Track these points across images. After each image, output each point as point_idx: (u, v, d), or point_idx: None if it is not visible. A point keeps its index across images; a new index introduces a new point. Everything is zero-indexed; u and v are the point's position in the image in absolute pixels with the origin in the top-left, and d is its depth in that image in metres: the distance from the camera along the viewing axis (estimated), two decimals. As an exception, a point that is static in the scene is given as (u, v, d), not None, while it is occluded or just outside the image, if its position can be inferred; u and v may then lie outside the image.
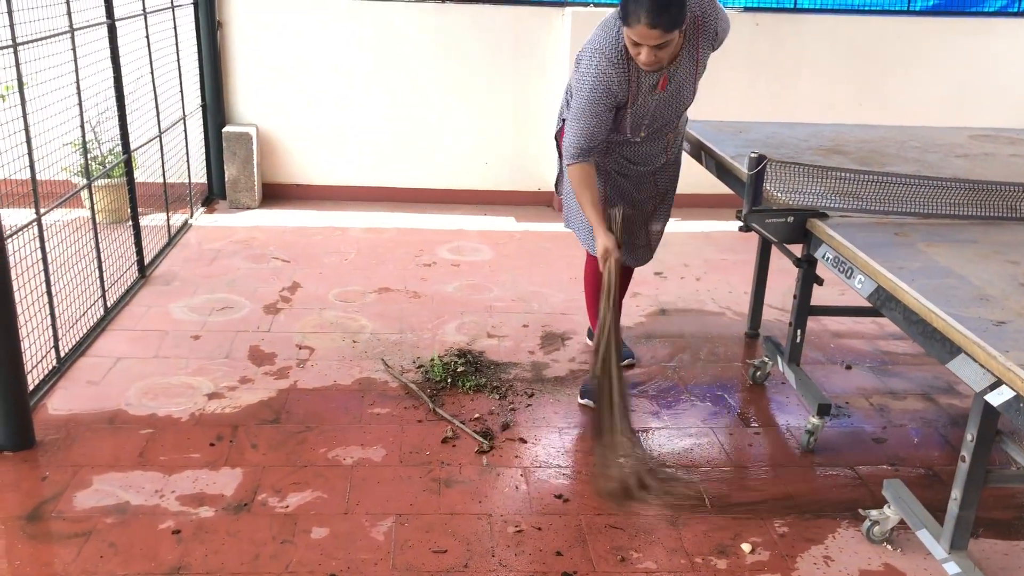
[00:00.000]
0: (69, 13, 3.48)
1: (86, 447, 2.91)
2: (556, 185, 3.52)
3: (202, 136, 5.54)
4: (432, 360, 3.58)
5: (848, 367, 3.76)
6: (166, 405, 3.19)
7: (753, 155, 2.59)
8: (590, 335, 3.80)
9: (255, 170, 5.54)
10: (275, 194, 5.79)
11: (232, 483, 2.76)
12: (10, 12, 3.00)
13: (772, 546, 2.58)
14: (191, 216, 5.28)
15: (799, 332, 3.23)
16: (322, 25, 5.46)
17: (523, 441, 3.07)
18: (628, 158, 3.16)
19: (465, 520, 2.63)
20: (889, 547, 2.59)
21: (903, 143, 3.64)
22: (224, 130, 5.48)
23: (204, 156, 5.59)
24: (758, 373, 3.55)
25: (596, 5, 5.68)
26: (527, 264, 4.86)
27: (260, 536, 2.52)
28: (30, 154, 3.18)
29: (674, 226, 5.60)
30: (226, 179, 5.52)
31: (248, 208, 5.57)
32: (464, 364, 3.56)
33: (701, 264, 4.96)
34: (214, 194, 5.68)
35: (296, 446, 2.98)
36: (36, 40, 3.21)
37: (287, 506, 2.66)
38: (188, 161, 5.20)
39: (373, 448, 2.98)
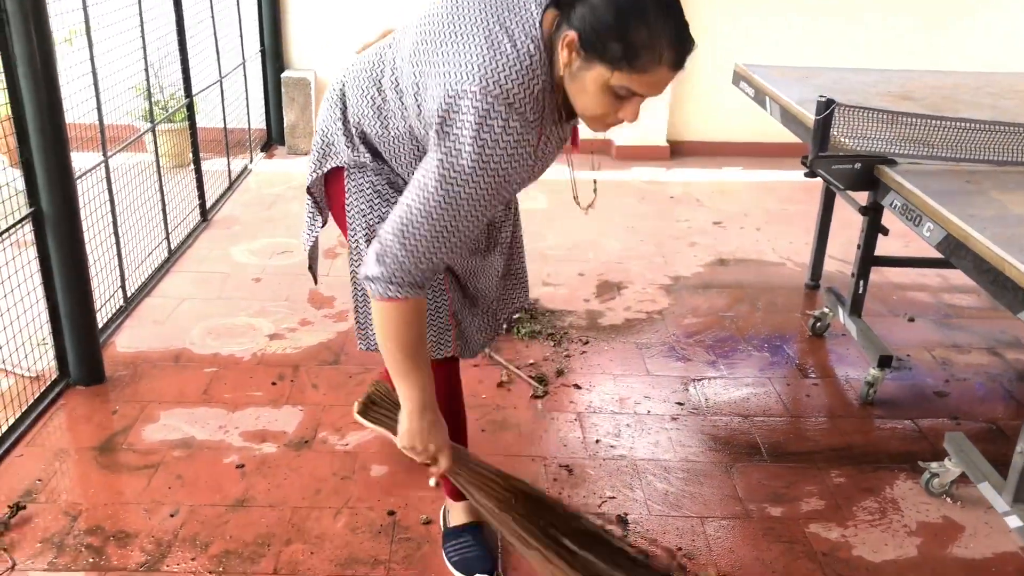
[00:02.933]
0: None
1: (153, 383, 3.00)
2: (311, 266, 2.35)
3: (261, 82, 5.57)
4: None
5: (911, 319, 3.68)
6: (229, 345, 3.27)
7: (821, 99, 2.52)
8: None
9: (313, 116, 5.57)
10: (333, 140, 5.81)
11: (293, 421, 2.83)
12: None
13: (828, 495, 2.57)
14: (251, 161, 5.35)
15: (862, 283, 3.17)
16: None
17: (577, 387, 3.08)
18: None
19: (519, 462, 2.66)
20: (948, 500, 2.56)
21: (977, 89, 3.51)
22: (283, 76, 5.50)
23: (263, 102, 5.63)
24: (818, 324, 3.50)
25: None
26: (581, 212, 4.81)
27: (321, 472, 2.59)
28: (97, 98, 3.24)
29: (735, 175, 5.53)
30: (285, 125, 5.57)
31: (306, 154, 5.61)
32: (520, 311, 3.57)
33: (761, 214, 4.88)
34: (273, 139, 5.74)
35: (355, 387, 3.03)
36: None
37: (347, 444, 2.72)
38: (248, 106, 5.25)
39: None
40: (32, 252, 2.78)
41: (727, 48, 5.69)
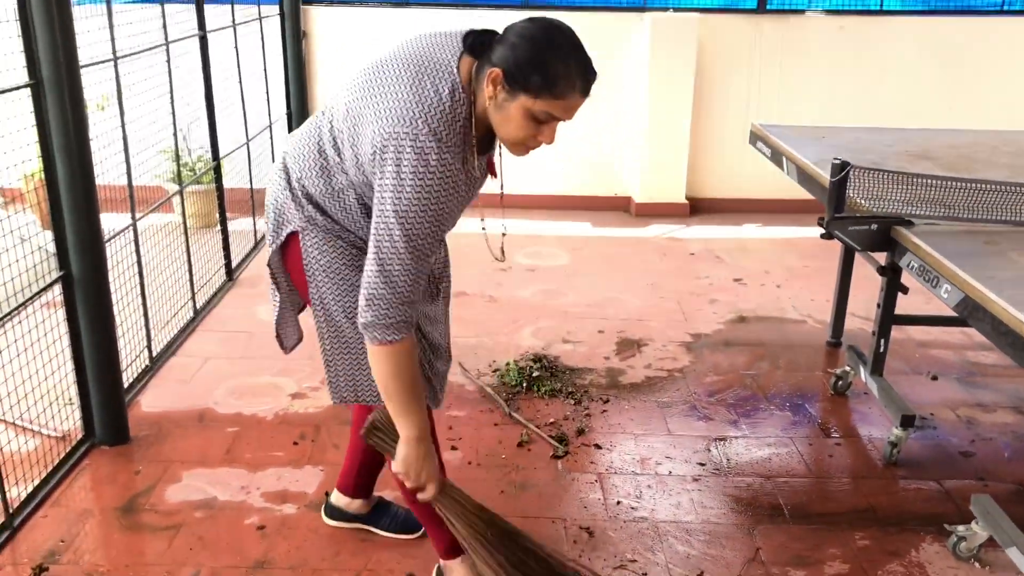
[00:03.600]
0: (165, 27, 3.63)
1: (176, 443, 3.03)
2: (278, 335, 2.41)
3: (287, 143, 5.68)
4: (508, 364, 3.61)
5: (934, 378, 3.66)
6: (252, 404, 3.30)
7: (836, 161, 2.55)
8: (329, 511, 2.63)
9: (337, 176, 5.67)
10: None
11: (314, 481, 2.84)
12: (111, 27, 3.15)
13: (852, 558, 2.53)
14: (276, 221, 5.43)
15: (883, 341, 3.16)
16: (399, 34, 5.55)
17: (598, 447, 3.08)
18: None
19: (539, 524, 2.64)
20: (977, 564, 2.52)
21: (995, 148, 3.53)
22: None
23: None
24: (839, 383, 3.49)
25: (676, 10, 5.66)
26: (603, 269, 4.85)
27: (340, 533, 2.59)
28: (127, 162, 3.33)
29: (755, 232, 5.55)
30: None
31: (330, 213, 5.70)
32: (540, 369, 3.58)
33: (782, 271, 4.89)
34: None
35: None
36: (134, 54, 3.36)
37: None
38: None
39: (450, 450, 3.03)
40: (61, 313, 2.84)
41: (745, 106, 5.77)
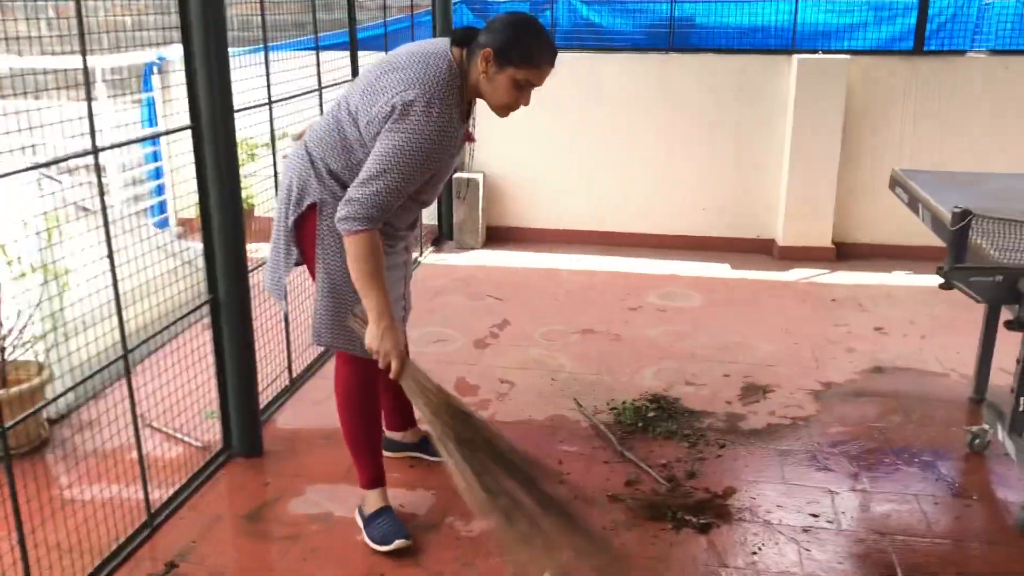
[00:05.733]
0: (319, 74, 3.93)
1: (304, 459, 3.24)
2: (271, 277, 2.75)
3: (435, 181, 5.95)
4: (624, 403, 3.63)
5: (1087, 443, 3.39)
6: (376, 427, 3.47)
7: (957, 209, 2.46)
8: (388, 445, 3.15)
9: (480, 213, 5.88)
10: (498, 236, 6.10)
11: (425, 504, 2.97)
12: (268, 75, 3.45)
13: (967, 628, 2.39)
14: (420, 254, 5.69)
15: (1022, 400, 2.98)
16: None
17: (707, 491, 3.05)
18: (403, 226, 2.67)
19: (637, 563, 2.65)
20: None
21: None
22: (455, 176, 5.87)
23: (437, 201, 6.00)
24: (976, 441, 3.30)
25: (825, 52, 5.55)
26: (736, 313, 4.79)
27: (444, 556, 2.69)
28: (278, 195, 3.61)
29: (902, 279, 5.32)
30: (454, 221, 5.90)
31: (471, 248, 5.91)
32: (656, 409, 3.58)
33: (929, 321, 4.66)
34: (443, 235, 6.09)
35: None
36: (287, 98, 3.66)
37: (471, 531, 2.82)
38: (420, 204, 5.62)
39: (556, 484, 3.08)
40: (210, 334, 3.11)
41: (899, 150, 5.57)
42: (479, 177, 5.87)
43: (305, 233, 2.60)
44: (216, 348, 3.10)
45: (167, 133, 2.88)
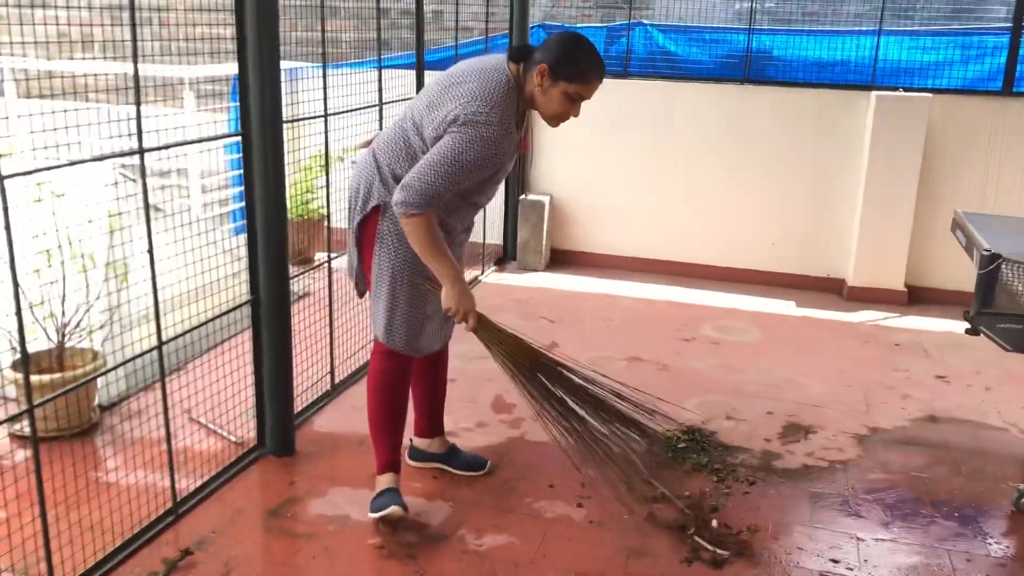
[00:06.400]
0: (380, 90, 4.05)
1: (332, 462, 3.32)
2: (350, 268, 2.96)
3: (502, 203, 6.03)
4: (656, 433, 3.59)
5: None
6: (407, 435, 3.52)
7: (986, 252, 2.37)
8: (413, 454, 3.31)
9: (544, 235, 5.92)
10: (561, 259, 6.12)
11: (440, 515, 3.00)
12: (324, 88, 3.58)
13: None
14: (482, 273, 5.76)
15: (1070, 459, 2.83)
16: (618, 105, 5.74)
17: (727, 527, 2.99)
18: (461, 227, 2.91)
19: (642, 592, 2.62)
20: None
21: None
22: (520, 197, 5.92)
23: (503, 221, 6.08)
24: (1023, 500, 3.14)
25: (906, 89, 5.40)
26: (793, 351, 4.68)
27: (451, 567, 2.72)
28: (327, 207, 3.74)
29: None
30: (518, 242, 5.95)
31: (534, 270, 5.95)
32: (688, 441, 3.53)
33: (996, 372, 4.46)
34: (507, 255, 6.14)
35: (507, 492, 3.16)
36: (341, 112, 3.79)
37: (481, 545, 2.84)
38: (484, 224, 5.69)
39: (575, 506, 3.07)
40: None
41: (981, 193, 5.37)
42: (545, 200, 5.91)
43: (367, 233, 2.81)
44: (255, 348, 3.22)
45: (215, 139, 3.01)
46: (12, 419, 2.52)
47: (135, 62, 2.51)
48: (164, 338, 2.80)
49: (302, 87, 3.98)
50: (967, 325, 2.48)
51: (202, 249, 3.13)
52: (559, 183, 6.04)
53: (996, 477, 3.41)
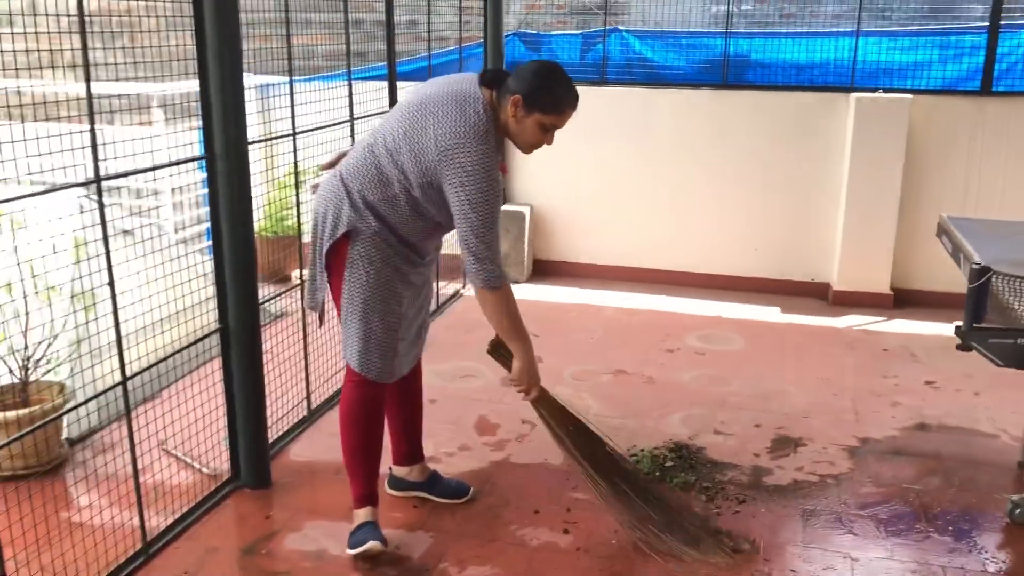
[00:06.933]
0: (351, 104, 3.95)
1: (309, 493, 3.21)
2: (312, 296, 2.85)
3: (482, 213, 5.93)
4: (643, 451, 3.51)
5: None
6: (387, 462, 3.42)
7: (976, 265, 2.30)
8: (393, 483, 3.21)
9: (526, 246, 5.83)
10: (544, 270, 6.04)
11: (421, 547, 2.90)
12: (292, 106, 3.48)
13: None
14: (463, 286, 5.66)
15: (1065, 470, 2.76)
16: (596, 113, 5.66)
17: (717, 547, 2.90)
18: (431, 250, 2.90)
19: (631, 623, 2.53)
20: None
21: None
22: (501, 208, 5.82)
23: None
24: (1018, 511, 3.07)
25: (886, 90, 5.35)
26: (779, 359, 4.61)
27: (432, 603, 2.62)
28: (298, 229, 3.63)
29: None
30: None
31: (516, 282, 5.85)
32: (675, 459, 3.45)
33: (987, 377, 4.38)
34: (488, 267, 6.04)
35: (490, 520, 3.06)
36: (322, 127, 3.69)
37: (463, 578, 2.74)
38: (464, 236, 5.60)
39: (561, 533, 2.98)
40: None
41: (963, 195, 5.32)
42: (526, 210, 5.82)
43: (336, 260, 2.71)
44: (226, 378, 3.11)
45: (178, 163, 2.91)
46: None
47: (87, 81, 2.40)
48: (131, 372, 2.70)
49: (277, 103, 3.88)
50: (956, 328, 2.40)
51: (175, 275, 3.02)
52: (540, 193, 5.96)
53: (989, 487, 3.34)
